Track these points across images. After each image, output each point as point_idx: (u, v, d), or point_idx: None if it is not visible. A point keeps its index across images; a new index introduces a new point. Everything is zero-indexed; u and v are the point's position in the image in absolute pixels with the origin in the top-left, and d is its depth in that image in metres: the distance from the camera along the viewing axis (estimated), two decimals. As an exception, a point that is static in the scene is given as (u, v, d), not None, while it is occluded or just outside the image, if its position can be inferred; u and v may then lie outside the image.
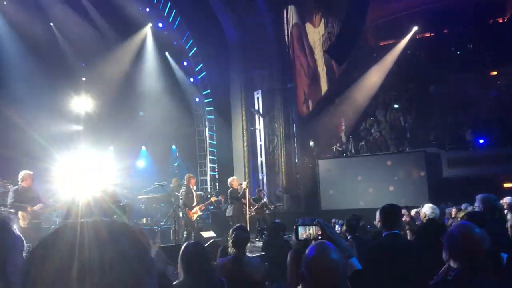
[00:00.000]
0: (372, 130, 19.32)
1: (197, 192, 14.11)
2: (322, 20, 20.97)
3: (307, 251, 2.18)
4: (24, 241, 1.46)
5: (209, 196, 14.15)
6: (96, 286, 0.75)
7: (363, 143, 18.75)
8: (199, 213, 10.91)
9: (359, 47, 19.68)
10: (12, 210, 8.27)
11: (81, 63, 16.07)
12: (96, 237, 0.80)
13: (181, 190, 10.89)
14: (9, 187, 10.86)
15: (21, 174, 8.28)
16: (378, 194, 16.40)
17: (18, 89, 12.81)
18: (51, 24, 14.72)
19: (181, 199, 10.58)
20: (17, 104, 12.72)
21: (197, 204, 10.68)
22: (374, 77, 20.25)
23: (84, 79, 16.04)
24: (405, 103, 20.34)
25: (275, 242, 5.79)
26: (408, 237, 7.35)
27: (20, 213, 7.96)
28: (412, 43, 22.12)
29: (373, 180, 17.10)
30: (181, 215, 10.64)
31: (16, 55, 13.20)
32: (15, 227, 1.42)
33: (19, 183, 8.23)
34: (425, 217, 5.74)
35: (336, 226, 9.78)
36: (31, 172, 8.36)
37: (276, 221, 7.77)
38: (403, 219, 7.93)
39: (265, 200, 13.01)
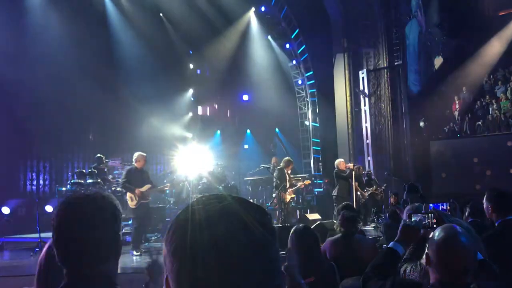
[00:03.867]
0: (490, 108, 17.79)
1: (302, 175, 14.14)
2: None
3: (434, 234, 2.04)
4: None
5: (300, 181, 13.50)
6: (224, 255, 0.80)
7: (480, 122, 17.38)
8: (292, 195, 10.88)
9: (475, 18, 18.15)
10: (122, 190, 8.84)
11: (189, 50, 16.77)
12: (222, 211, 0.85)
13: (275, 173, 10.92)
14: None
15: (135, 155, 8.70)
16: (496, 177, 15.21)
17: (134, 76, 13.74)
18: (161, 14, 15.50)
19: (275, 181, 10.70)
20: (133, 89, 13.67)
21: (290, 187, 10.66)
22: (492, 50, 18.55)
23: (191, 66, 16.75)
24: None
25: (395, 226, 5.55)
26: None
27: (128, 194, 8.43)
28: (538, 10, 19.85)
29: (491, 162, 15.87)
30: (274, 196, 10.75)
31: (130, 44, 14.13)
32: (119, 209, 1.53)
33: (133, 163, 8.68)
34: None
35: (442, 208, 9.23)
36: (144, 154, 8.74)
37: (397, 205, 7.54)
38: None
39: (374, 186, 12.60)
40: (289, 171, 10.92)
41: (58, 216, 1.49)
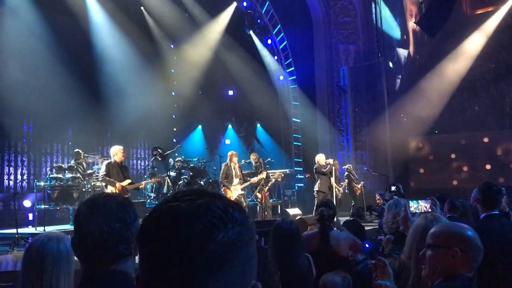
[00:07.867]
0: (468, 105, 18.11)
1: (283, 170, 14.19)
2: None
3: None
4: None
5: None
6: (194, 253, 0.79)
7: (457, 118, 17.70)
8: (241, 192, 10.49)
9: (453, 16, 18.40)
10: (103, 184, 8.66)
11: (170, 44, 16.64)
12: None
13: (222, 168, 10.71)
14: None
15: (113, 149, 8.52)
16: (473, 173, 15.56)
17: (114, 71, 13.59)
18: (142, 8, 15.33)
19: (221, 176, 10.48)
20: (113, 84, 13.54)
21: (238, 183, 10.41)
22: (471, 48, 18.85)
23: (175, 58, 16.65)
24: (505, 76, 18.77)
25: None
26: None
27: (109, 188, 8.24)
28: (515, 9, 20.18)
29: (468, 158, 16.20)
30: (222, 191, 10.40)
31: (110, 38, 13.96)
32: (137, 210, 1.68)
33: (111, 157, 8.51)
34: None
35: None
36: (121, 147, 8.55)
37: (394, 197, 7.62)
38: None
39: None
40: (236, 164, 10.54)
41: (80, 212, 1.53)
